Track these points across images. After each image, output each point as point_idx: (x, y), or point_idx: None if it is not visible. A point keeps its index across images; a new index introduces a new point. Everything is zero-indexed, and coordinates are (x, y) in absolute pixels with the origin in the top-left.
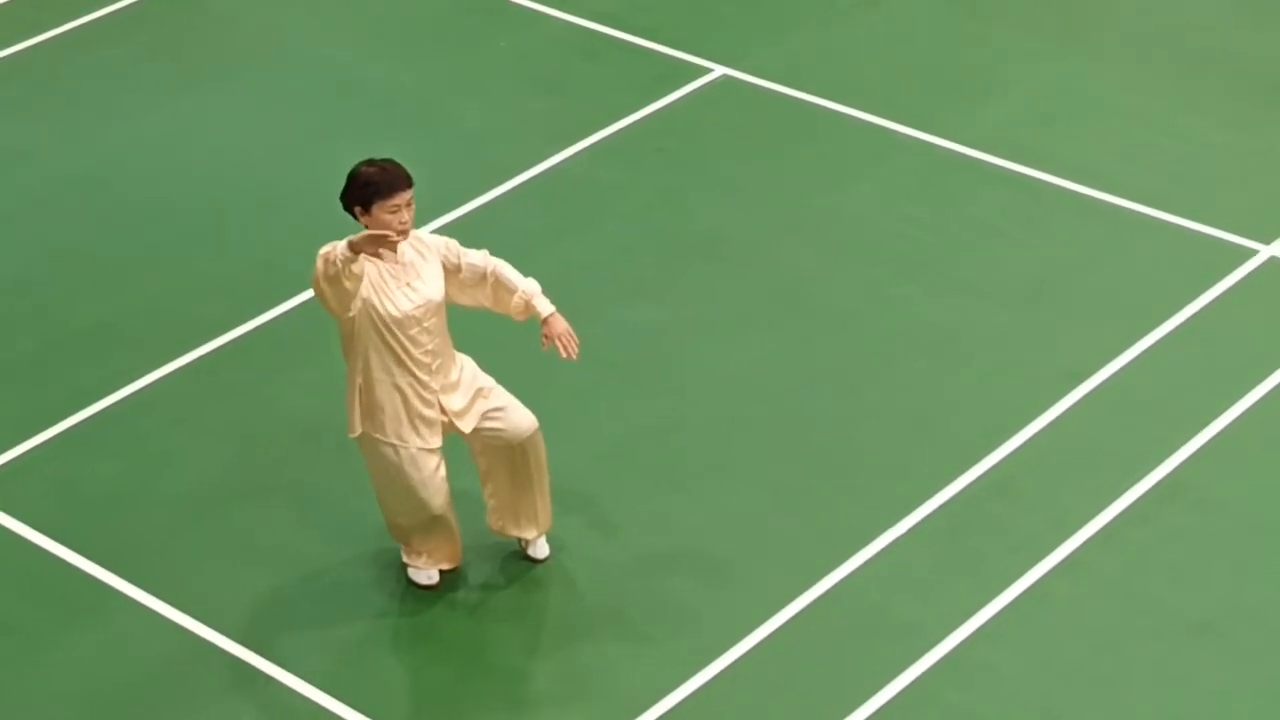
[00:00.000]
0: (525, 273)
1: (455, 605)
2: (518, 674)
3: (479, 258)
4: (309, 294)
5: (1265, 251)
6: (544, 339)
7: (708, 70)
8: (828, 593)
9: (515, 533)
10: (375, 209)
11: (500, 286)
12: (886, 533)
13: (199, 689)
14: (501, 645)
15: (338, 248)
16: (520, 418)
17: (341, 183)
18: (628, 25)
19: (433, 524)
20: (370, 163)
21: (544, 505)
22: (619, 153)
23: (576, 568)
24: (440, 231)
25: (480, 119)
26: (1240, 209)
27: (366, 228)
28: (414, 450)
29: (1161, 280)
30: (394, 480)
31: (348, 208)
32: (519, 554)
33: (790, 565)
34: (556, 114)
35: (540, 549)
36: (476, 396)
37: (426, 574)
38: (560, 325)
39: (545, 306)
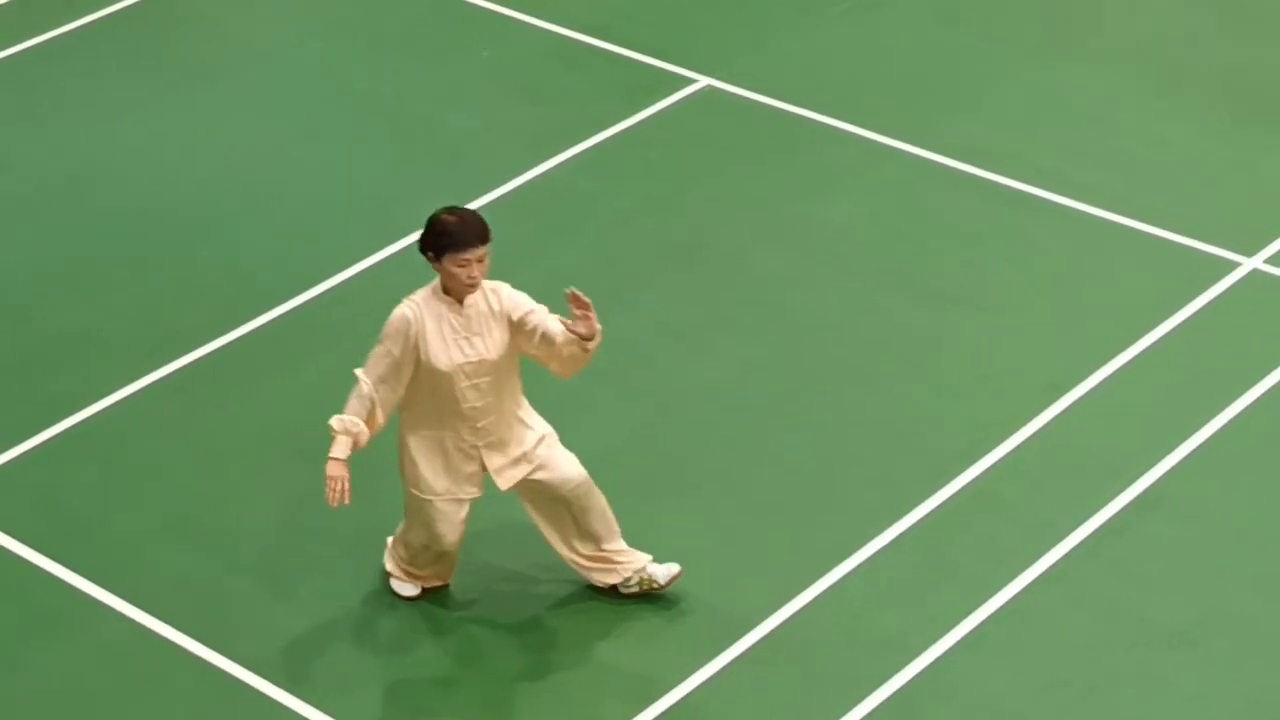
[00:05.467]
0: (505, 280)
1: (436, 617)
2: (495, 686)
3: (559, 326)
4: (291, 304)
5: (1247, 264)
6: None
7: (691, 81)
8: (809, 604)
9: (601, 577)
10: (445, 259)
11: (564, 339)
12: (868, 544)
13: (179, 699)
14: (480, 656)
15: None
16: (568, 468)
17: (322, 187)
18: (611, 35)
19: (439, 557)
20: (452, 210)
21: (612, 552)
22: (601, 163)
23: (554, 580)
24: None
25: (462, 127)
26: (1223, 221)
27: (438, 273)
28: (445, 500)
29: (1143, 292)
30: (416, 515)
31: (423, 250)
32: (498, 567)
33: (771, 576)
34: (539, 124)
35: (665, 571)
36: (522, 460)
37: (409, 586)
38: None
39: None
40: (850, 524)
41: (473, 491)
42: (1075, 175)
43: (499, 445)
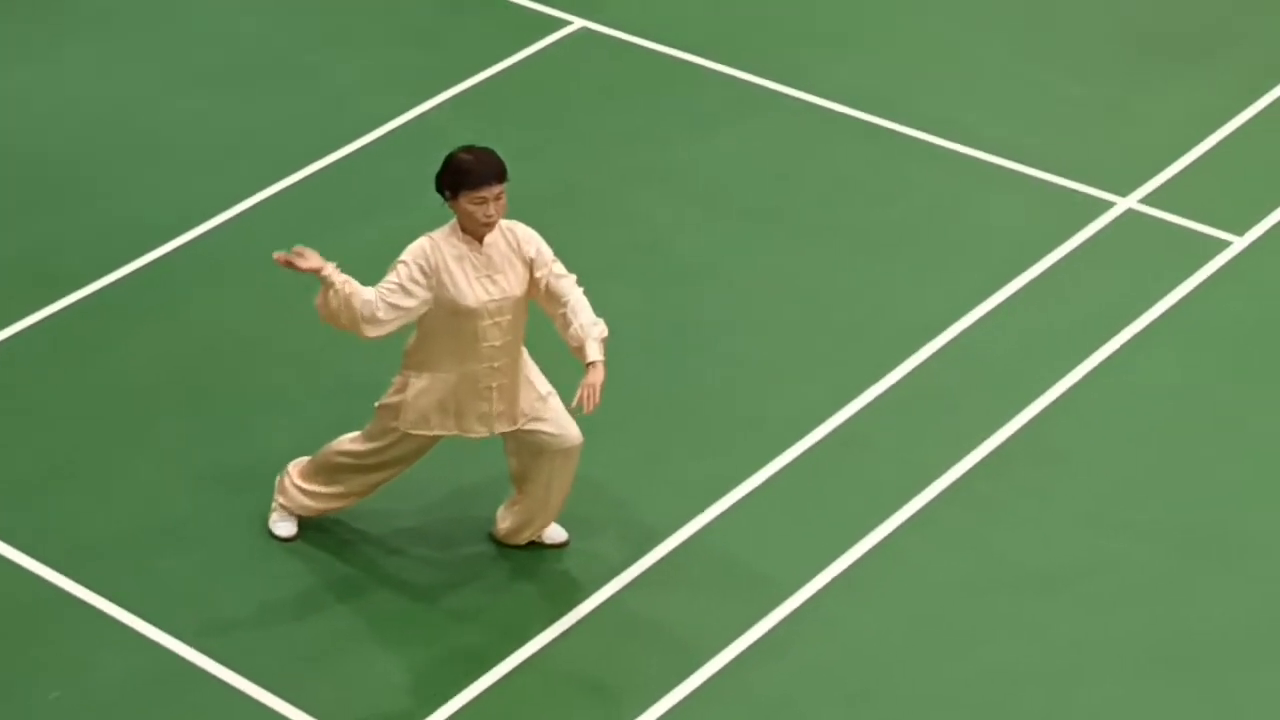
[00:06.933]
0: (380, 228)
1: (317, 558)
2: (381, 623)
3: (565, 285)
4: (169, 247)
5: (1122, 204)
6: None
7: (567, 23)
8: (680, 547)
9: (525, 537)
10: (462, 197)
11: (567, 320)
12: (740, 486)
13: (61, 644)
14: (368, 596)
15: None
16: (568, 426)
17: (206, 131)
18: None
19: (375, 470)
20: (469, 149)
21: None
22: (478, 106)
23: (431, 526)
24: (305, 182)
25: (346, 70)
26: (1098, 161)
27: (453, 213)
28: (435, 437)
29: (1019, 233)
30: (387, 440)
31: (439, 190)
32: (379, 513)
33: (642, 518)
34: (421, 66)
35: (555, 534)
36: (519, 410)
37: (288, 526)
38: (596, 375)
39: (595, 352)
40: (723, 466)
41: (481, 431)
42: (950, 116)
43: (508, 389)
